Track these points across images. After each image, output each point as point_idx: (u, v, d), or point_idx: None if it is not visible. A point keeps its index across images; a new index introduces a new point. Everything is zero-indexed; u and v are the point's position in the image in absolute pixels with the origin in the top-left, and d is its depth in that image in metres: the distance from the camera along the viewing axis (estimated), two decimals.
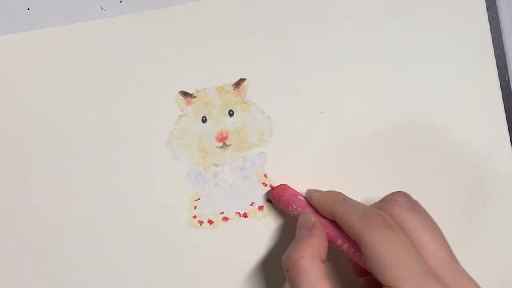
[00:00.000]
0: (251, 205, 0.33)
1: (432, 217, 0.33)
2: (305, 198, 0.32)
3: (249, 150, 0.34)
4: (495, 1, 0.35)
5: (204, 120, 0.33)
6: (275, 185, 0.34)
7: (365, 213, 0.28)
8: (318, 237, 0.29)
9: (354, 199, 0.30)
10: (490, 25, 0.35)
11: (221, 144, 0.33)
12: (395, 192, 0.29)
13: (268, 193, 0.33)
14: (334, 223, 0.30)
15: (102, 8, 0.34)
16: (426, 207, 0.34)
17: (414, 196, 0.34)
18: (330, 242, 0.30)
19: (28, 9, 0.34)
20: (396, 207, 0.28)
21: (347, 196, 0.30)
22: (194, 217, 0.33)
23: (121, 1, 0.34)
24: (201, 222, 0.33)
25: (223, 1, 0.34)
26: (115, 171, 0.33)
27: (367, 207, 0.28)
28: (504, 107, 0.34)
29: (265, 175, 0.34)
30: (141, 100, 0.33)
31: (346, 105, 0.34)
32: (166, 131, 0.33)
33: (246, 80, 0.34)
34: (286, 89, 0.34)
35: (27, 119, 0.33)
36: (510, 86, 0.35)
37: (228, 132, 0.33)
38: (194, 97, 0.33)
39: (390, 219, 0.27)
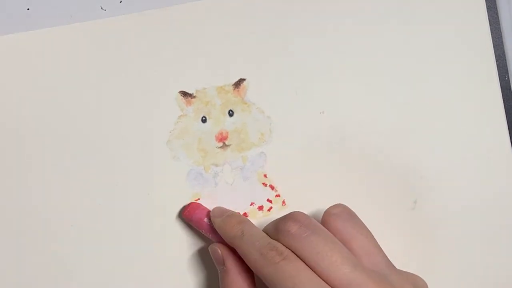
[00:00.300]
0: (251, 205, 0.33)
1: (432, 217, 0.33)
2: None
3: (249, 150, 0.34)
4: (495, 1, 0.35)
5: (204, 120, 0.33)
6: (275, 185, 0.34)
7: (259, 250, 0.27)
8: (234, 268, 0.29)
9: (342, 202, 0.30)
10: (490, 25, 0.35)
11: (221, 144, 0.33)
12: (287, 217, 0.28)
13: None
14: None
15: (102, 8, 0.34)
16: (426, 207, 0.34)
17: (415, 196, 0.34)
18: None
19: (28, 9, 0.34)
20: (289, 238, 0.27)
21: (246, 226, 0.30)
22: None
23: (121, 1, 0.34)
24: None
25: (223, 1, 0.34)
26: (115, 171, 0.33)
27: (262, 241, 0.28)
28: (504, 107, 0.34)
29: (265, 175, 0.34)
30: (141, 100, 0.33)
31: (346, 105, 0.34)
32: (166, 131, 0.33)
33: (246, 80, 0.34)
34: (286, 89, 0.34)
35: (27, 119, 0.33)
36: (510, 86, 0.35)
37: (228, 132, 0.33)
38: (194, 97, 0.33)
39: (284, 250, 0.27)
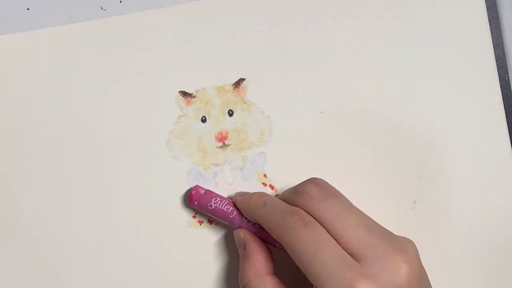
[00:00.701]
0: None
1: (432, 216, 0.33)
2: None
3: (249, 150, 0.34)
4: (495, 1, 0.35)
5: (203, 120, 0.33)
6: (274, 185, 0.34)
7: (282, 215, 0.28)
8: (254, 252, 0.30)
9: (347, 199, 0.30)
10: (490, 25, 0.35)
11: (220, 144, 0.33)
12: (307, 181, 0.29)
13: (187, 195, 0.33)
14: None
15: (102, 8, 0.34)
16: (426, 207, 0.34)
17: (415, 196, 0.34)
18: (271, 244, 0.30)
19: (28, 9, 0.34)
20: (309, 199, 0.28)
21: (268, 197, 0.30)
22: (194, 217, 0.33)
23: (121, 1, 0.34)
24: (201, 222, 0.33)
25: (223, 1, 0.34)
26: (115, 171, 0.33)
27: (284, 207, 0.28)
28: (504, 107, 0.34)
29: (265, 175, 0.34)
30: (141, 100, 0.33)
31: (346, 105, 0.34)
32: (166, 131, 0.33)
33: (246, 80, 0.34)
34: (286, 89, 0.34)
35: (27, 119, 0.33)
36: (510, 86, 0.35)
37: (227, 132, 0.33)
38: (194, 97, 0.33)
39: (305, 215, 0.27)
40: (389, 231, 0.28)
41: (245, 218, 0.31)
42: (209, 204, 0.32)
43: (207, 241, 0.33)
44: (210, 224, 0.33)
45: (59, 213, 0.33)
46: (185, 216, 0.33)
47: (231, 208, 0.31)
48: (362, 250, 0.26)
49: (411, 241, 0.27)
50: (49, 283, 0.33)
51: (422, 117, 0.34)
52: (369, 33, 0.34)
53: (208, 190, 0.32)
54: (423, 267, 0.27)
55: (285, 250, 0.28)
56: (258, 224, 0.30)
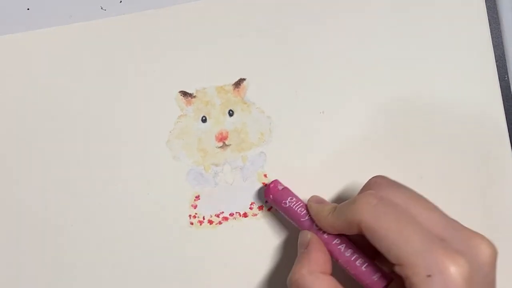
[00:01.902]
0: (251, 205, 0.33)
1: None
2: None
3: (249, 150, 0.34)
4: (495, 1, 0.35)
5: (204, 120, 0.33)
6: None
7: (353, 201, 0.27)
8: (315, 251, 0.29)
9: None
10: (490, 25, 0.35)
11: (221, 144, 0.33)
12: (372, 178, 0.29)
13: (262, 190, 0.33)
14: (334, 237, 0.29)
15: (102, 8, 0.34)
16: None
17: None
18: (334, 259, 0.29)
19: (28, 9, 0.34)
20: (378, 187, 0.28)
21: (335, 204, 0.30)
22: (194, 216, 0.33)
23: (121, 1, 0.34)
24: (201, 222, 0.33)
25: (223, 1, 0.34)
26: (115, 171, 0.33)
27: (354, 197, 0.28)
28: (504, 107, 0.34)
29: (265, 175, 0.34)
30: (141, 100, 0.33)
31: (346, 105, 0.34)
32: (166, 131, 0.33)
33: (246, 80, 0.34)
34: (286, 89, 0.34)
35: (27, 119, 0.33)
36: (510, 86, 0.35)
37: (228, 132, 0.33)
38: (194, 97, 0.33)
39: (378, 194, 0.27)
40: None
41: (316, 225, 0.30)
42: (283, 202, 0.31)
43: (207, 241, 0.33)
44: (210, 224, 0.33)
45: (59, 213, 0.33)
46: (185, 215, 0.33)
47: (304, 211, 0.31)
48: (444, 230, 0.26)
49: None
50: (49, 283, 0.33)
51: (422, 117, 0.34)
52: (368, 33, 0.34)
53: (286, 187, 0.32)
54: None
55: (352, 267, 0.28)
56: (327, 234, 0.29)
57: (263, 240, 0.34)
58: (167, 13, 0.34)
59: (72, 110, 0.33)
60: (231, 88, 0.34)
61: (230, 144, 0.33)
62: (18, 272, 0.33)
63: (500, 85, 0.35)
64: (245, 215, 0.33)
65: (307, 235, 0.30)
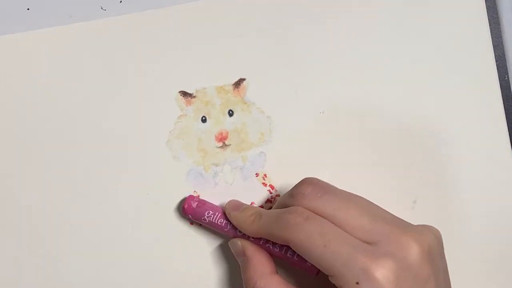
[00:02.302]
0: (251, 205, 0.33)
1: (433, 216, 0.33)
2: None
3: (249, 150, 0.34)
4: (495, 1, 0.35)
5: (204, 120, 0.33)
6: (275, 185, 0.34)
7: (280, 218, 0.28)
8: (254, 255, 0.30)
9: (344, 191, 0.30)
10: (490, 25, 0.35)
11: (221, 144, 0.33)
12: (300, 182, 0.29)
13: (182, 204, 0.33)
14: (259, 238, 0.30)
15: (102, 8, 0.34)
16: (426, 207, 0.34)
17: (415, 196, 0.34)
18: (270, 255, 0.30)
19: (28, 9, 0.34)
20: (304, 199, 0.28)
21: (261, 209, 0.30)
22: None
23: (121, 1, 0.34)
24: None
25: (223, 1, 0.34)
26: (115, 171, 0.33)
27: (281, 211, 0.28)
28: (504, 107, 0.34)
29: (265, 175, 0.34)
30: (141, 100, 0.33)
31: (346, 105, 0.34)
32: (166, 131, 0.33)
33: (246, 80, 0.34)
34: (286, 89, 0.34)
35: (27, 119, 0.33)
36: (510, 86, 0.35)
37: (228, 132, 0.33)
38: (194, 97, 0.33)
39: (304, 211, 0.27)
40: (395, 216, 0.28)
41: (240, 231, 0.31)
42: (202, 218, 0.32)
43: (207, 241, 0.33)
44: None
45: (59, 213, 0.33)
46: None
47: (224, 221, 0.31)
48: (370, 236, 0.26)
49: (426, 226, 0.27)
50: (48, 283, 0.33)
51: (422, 117, 0.34)
52: (368, 33, 0.34)
53: (201, 201, 0.32)
54: (439, 247, 0.27)
55: (284, 258, 0.28)
56: (253, 238, 0.30)
57: None
58: (167, 13, 0.34)
59: (71, 110, 0.33)
60: (231, 88, 0.34)
61: (230, 144, 0.33)
62: (18, 272, 0.33)
63: (500, 85, 0.35)
64: None
65: (238, 243, 0.30)
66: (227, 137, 0.33)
